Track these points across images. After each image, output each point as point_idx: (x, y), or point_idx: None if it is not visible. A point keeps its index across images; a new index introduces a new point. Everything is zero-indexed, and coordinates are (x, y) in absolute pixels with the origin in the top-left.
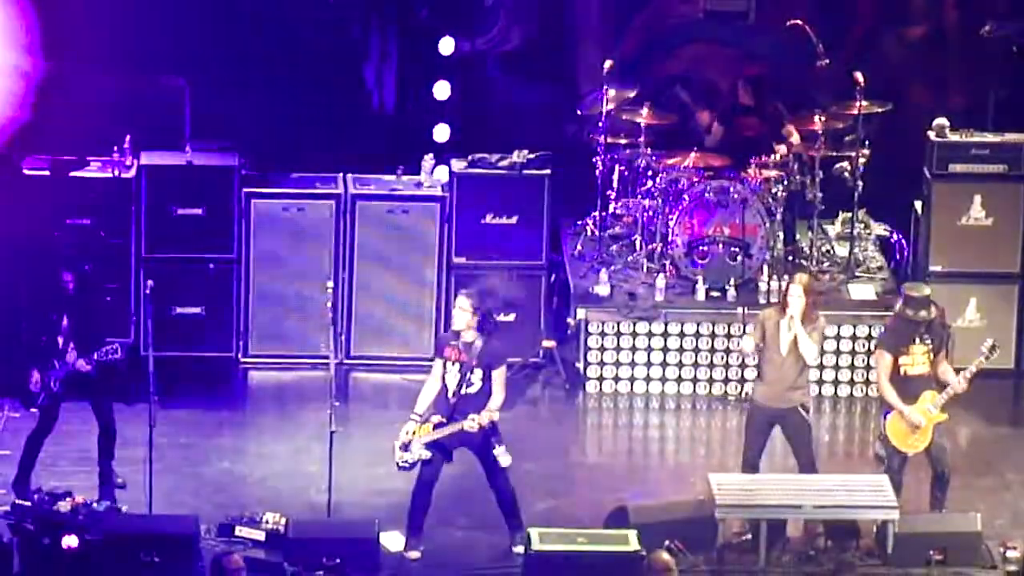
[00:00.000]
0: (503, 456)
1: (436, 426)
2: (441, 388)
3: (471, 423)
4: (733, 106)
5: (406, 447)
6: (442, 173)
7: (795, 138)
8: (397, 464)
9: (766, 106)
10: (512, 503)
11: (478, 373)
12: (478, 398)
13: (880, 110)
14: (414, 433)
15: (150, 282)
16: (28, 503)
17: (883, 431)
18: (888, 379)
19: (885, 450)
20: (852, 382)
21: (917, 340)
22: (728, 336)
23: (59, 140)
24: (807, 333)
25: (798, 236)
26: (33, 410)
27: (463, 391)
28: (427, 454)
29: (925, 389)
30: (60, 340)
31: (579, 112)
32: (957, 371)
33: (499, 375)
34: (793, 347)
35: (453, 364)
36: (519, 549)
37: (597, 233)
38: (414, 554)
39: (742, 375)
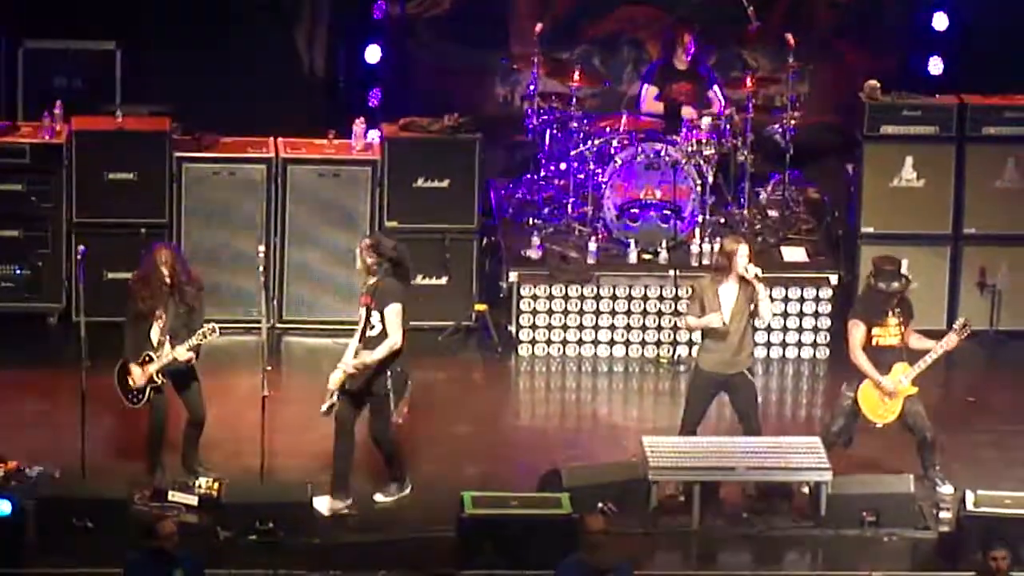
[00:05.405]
0: (400, 413)
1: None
2: None
3: (353, 365)
4: (667, 69)
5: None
6: (373, 136)
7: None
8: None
9: (699, 69)
10: (392, 453)
11: (376, 316)
12: (379, 339)
13: (811, 71)
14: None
15: (82, 247)
16: None
17: (855, 397)
18: (862, 349)
19: (838, 412)
20: (784, 344)
21: (890, 312)
22: (660, 299)
23: None
24: (749, 293)
25: (729, 198)
26: (138, 406)
27: (367, 334)
28: (335, 400)
29: (896, 361)
30: (155, 333)
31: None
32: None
33: (388, 315)
34: (737, 312)
35: (362, 308)
36: (382, 498)
37: (529, 196)
38: (340, 504)
39: (674, 338)
